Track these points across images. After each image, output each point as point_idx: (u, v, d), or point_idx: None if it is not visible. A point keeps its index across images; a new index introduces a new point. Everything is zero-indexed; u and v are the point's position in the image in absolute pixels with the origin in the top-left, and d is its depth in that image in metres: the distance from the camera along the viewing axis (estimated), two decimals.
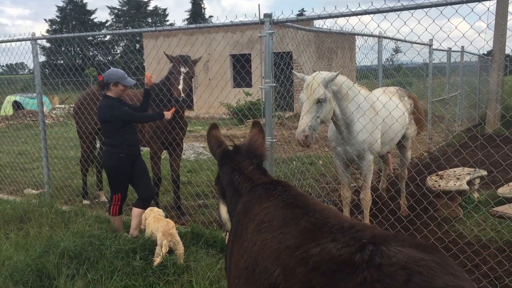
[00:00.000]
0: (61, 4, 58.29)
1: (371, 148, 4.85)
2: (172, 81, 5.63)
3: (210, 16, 61.54)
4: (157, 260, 4.18)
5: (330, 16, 4.24)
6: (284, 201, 2.03)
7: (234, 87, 19.98)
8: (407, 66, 11.34)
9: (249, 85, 19.12)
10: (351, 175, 6.20)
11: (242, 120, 15.36)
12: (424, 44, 9.73)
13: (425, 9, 3.77)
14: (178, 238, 4.40)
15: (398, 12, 3.96)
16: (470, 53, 13.52)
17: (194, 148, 10.90)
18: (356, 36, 7.33)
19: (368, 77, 8.55)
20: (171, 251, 4.33)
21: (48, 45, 49.12)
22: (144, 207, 4.97)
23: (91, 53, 50.67)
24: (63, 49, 51.24)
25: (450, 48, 11.52)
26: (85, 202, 6.92)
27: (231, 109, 17.19)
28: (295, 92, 18.91)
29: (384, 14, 3.99)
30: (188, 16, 60.41)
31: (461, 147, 7.35)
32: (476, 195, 6.30)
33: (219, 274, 4.10)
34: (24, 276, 4.04)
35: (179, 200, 6.27)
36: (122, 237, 4.61)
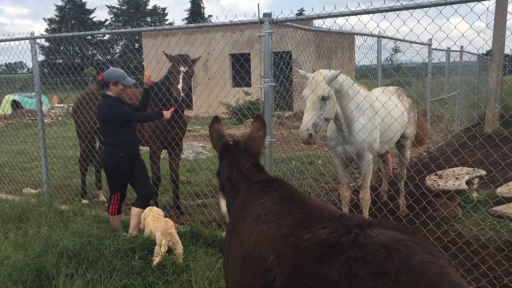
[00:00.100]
0: (60, 3, 58.42)
1: (371, 147, 4.85)
2: (171, 81, 5.62)
3: (210, 16, 61.71)
4: (156, 259, 4.18)
5: (330, 16, 4.24)
6: (280, 197, 2.13)
7: (233, 87, 19.98)
8: (407, 65, 11.35)
9: (248, 84, 19.11)
10: (350, 174, 6.20)
11: (242, 120, 15.36)
12: (423, 43, 9.74)
13: (424, 9, 3.78)
14: (177, 237, 4.40)
15: (397, 12, 3.96)
16: (469, 52, 13.53)
17: (193, 148, 10.90)
18: (355, 36, 7.33)
19: (367, 76, 8.55)
20: (170, 251, 4.33)
21: (47, 44, 49.08)
22: (143, 206, 4.97)
23: (90, 53, 50.67)
24: (62, 48, 51.17)
25: (449, 48, 11.53)
26: (84, 201, 6.91)
27: (230, 109, 17.18)
28: (294, 91, 18.92)
29: (384, 13, 3.99)
30: (187, 16, 60.45)
31: (460, 146, 7.34)
32: (475, 194, 6.31)
33: (218, 274, 4.10)
34: (23, 275, 4.03)
35: (178, 199, 6.27)
36: (121, 237, 4.61)
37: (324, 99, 4.32)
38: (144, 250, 4.38)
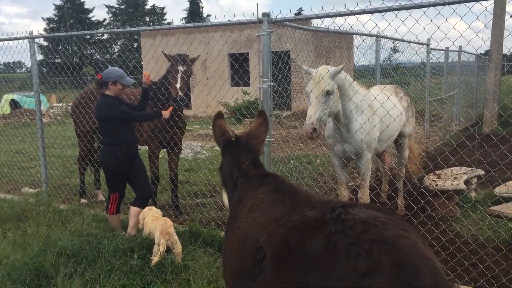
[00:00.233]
0: (58, 2, 58.29)
1: (369, 147, 4.86)
2: (170, 80, 5.62)
3: (208, 15, 61.73)
4: (155, 259, 4.18)
5: (328, 16, 4.24)
6: (274, 188, 2.30)
7: (232, 86, 19.98)
8: (405, 65, 11.36)
9: (247, 84, 19.11)
10: (349, 174, 6.20)
11: (240, 119, 15.36)
12: (422, 43, 9.75)
13: (423, 9, 3.79)
14: (176, 237, 4.40)
15: (396, 12, 3.96)
16: (468, 52, 13.55)
17: (192, 147, 10.90)
18: (354, 36, 7.34)
19: (366, 76, 8.56)
20: (169, 250, 4.33)
21: (45, 43, 48.87)
22: (142, 206, 4.97)
23: (88, 52, 50.57)
24: (60, 47, 51.03)
25: (448, 48, 11.55)
26: (83, 201, 6.91)
27: (229, 108, 17.18)
28: (293, 91, 18.92)
29: (382, 13, 4.00)
30: (186, 15, 60.39)
31: (459, 146, 7.34)
32: (473, 194, 6.32)
33: (217, 273, 4.10)
34: (21, 275, 4.03)
35: (177, 199, 6.27)
36: (120, 236, 4.61)
37: (328, 93, 4.33)
38: (143, 250, 4.38)
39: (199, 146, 11.28)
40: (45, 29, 55.47)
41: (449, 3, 3.64)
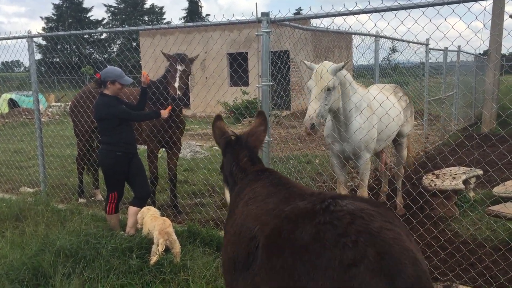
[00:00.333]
0: (57, 1, 58.11)
1: (368, 146, 4.86)
2: (168, 79, 5.62)
3: (207, 15, 61.54)
4: (154, 258, 4.17)
5: (327, 15, 4.24)
6: (269, 182, 2.40)
7: (231, 86, 19.97)
8: (404, 65, 11.36)
9: (246, 83, 19.10)
10: (348, 174, 6.20)
11: (239, 119, 15.36)
12: (420, 43, 9.74)
13: (422, 9, 3.79)
14: (174, 236, 4.40)
15: (395, 12, 3.96)
16: (467, 52, 13.56)
17: (190, 147, 10.89)
18: (353, 35, 7.34)
19: (365, 76, 8.56)
20: (167, 250, 4.32)
21: (44, 43, 48.86)
22: (140, 205, 4.97)
23: (87, 51, 50.51)
24: (59, 47, 50.93)
25: (447, 48, 11.55)
26: (81, 200, 6.90)
27: (228, 108, 17.16)
28: (292, 91, 18.92)
29: (381, 13, 4.00)
30: (185, 14, 60.31)
31: (457, 146, 7.35)
32: (472, 194, 6.32)
33: (215, 273, 4.10)
34: (19, 274, 4.02)
35: (176, 198, 6.26)
36: (118, 236, 4.60)
37: (329, 89, 4.33)
38: (142, 249, 4.37)
39: (198, 146, 11.27)
40: (43, 28, 55.40)
41: (448, 3, 3.64)
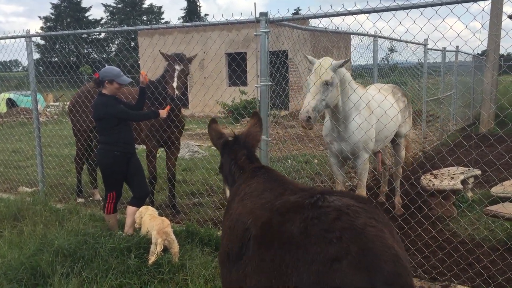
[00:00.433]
0: (55, 1, 58.01)
1: (366, 146, 4.86)
2: (167, 79, 5.62)
3: (206, 14, 61.44)
4: (152, 258, 4.17)
5: (326, 15, 4.24)
6: (265, 178, 2.49)
7: (229, 86, 19.96)
8: (402, 65, 11.37)
9: (244, 83, 19.10)
10: (346, 174, 6.21)
11: (238, 119, 15.35)
12: (419, 43, 9.76)
13: (420, 9, 3.79)
14: (173, 236, 4.39)
15: (393, 12, 3.97)
16: (465, 53, 13.58)
17: (189, 147, 10.89)
18: (351, 35, 7.34)
19: (363, 76, 8.57)
20: (166, 250, 4.32)
21: (42, 42, 48.87)
22: (139, 205, 4.96)
23: (85, 51, 50.44)
24: (57, 46, 50.87)
25: (445, 48, 11.57)
26: (80, 200, 6.89)
27: (227, 108, 17.16)
28: (290, 91, 18.93)
29: (380, 13, 4.00)
30: (183, 14, 60.28)
31: (456, 146, 7.38)
32: (470, 194, 6.33)
33: (214, 273, 4.10)
34: (18, 274, 4.02)
35: (174, 198, 6.26)
36: (116, 236, 4.60)
37: (327, 84, 4.33)
38: (140, 249, 4.37)
39: (196, 146, 11.27)
40: (42, 28, 55.27)
41: (446, 4, 3.64)
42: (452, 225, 5.43)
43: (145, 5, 62.18)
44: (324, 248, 1.70)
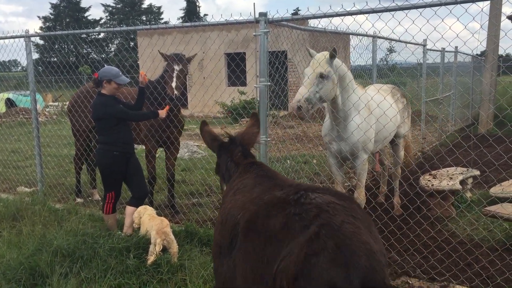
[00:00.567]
0: (55, 1, 57.98)
1: (365, 147, 4.87)
2: (166, 79, 5.62)
3: (205, 15, 61.47)
4: (151, 258, 4.17)
5: (325, 16, 4.24)
6: (257, 174, 2.60)
7: (228, 86, 19.96)
8: (401, 66, 11.38)
9: (243, 84, 19.10)
10: (345, 174, 6.21)
11: (237, 119, 15.34)
12: (418, 44, 9.77)
13: (419, 9, 3.79)
14: (172, 236, 4.39)
15: (392, 12, 3.97)
16: (464, 53, 13.59)
17: (188, 147, 10.88)
18: (350, 36, 7.35)
19: (362, 76, 8.57)
20: (165, 250, 4.32)
21: (41, 42, 48.79)
22: (137, 205, 4.96)
23: (85, 51, 50.40)
24: (56, 46, 50.82)
25: (444, 48, 11.58)
26: (79, 200, 6.89)
27: (226, 108, 17.16)
28: (289, 91, 18.92)
29: (379, 14, 4.00)
30: (182, 14, 60.27)
31: (454, 147, 7.38)
32: (468, 194, 6.34)
33: (213, 273, 4.09)
34: (17, 274, 4.02)
35: (173, 198, 6.26)
36: (115, 236, 4.60)
37: (322, 76, 4.32)
38: (139, 249, 4.37)
39: (195, 146, 11.26)
40: (41, 28, 55.24)
41: (445, 4, 3.65)
42: (451, 225, 5.43)
43: (144, 5, 62.22)
44: (303, 243, 1.79)
